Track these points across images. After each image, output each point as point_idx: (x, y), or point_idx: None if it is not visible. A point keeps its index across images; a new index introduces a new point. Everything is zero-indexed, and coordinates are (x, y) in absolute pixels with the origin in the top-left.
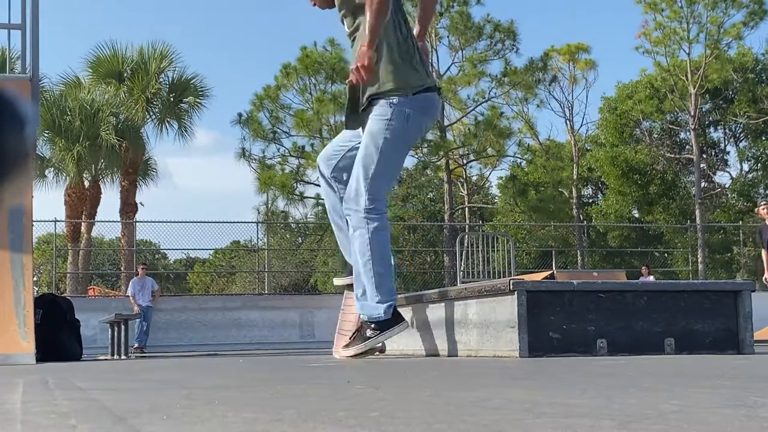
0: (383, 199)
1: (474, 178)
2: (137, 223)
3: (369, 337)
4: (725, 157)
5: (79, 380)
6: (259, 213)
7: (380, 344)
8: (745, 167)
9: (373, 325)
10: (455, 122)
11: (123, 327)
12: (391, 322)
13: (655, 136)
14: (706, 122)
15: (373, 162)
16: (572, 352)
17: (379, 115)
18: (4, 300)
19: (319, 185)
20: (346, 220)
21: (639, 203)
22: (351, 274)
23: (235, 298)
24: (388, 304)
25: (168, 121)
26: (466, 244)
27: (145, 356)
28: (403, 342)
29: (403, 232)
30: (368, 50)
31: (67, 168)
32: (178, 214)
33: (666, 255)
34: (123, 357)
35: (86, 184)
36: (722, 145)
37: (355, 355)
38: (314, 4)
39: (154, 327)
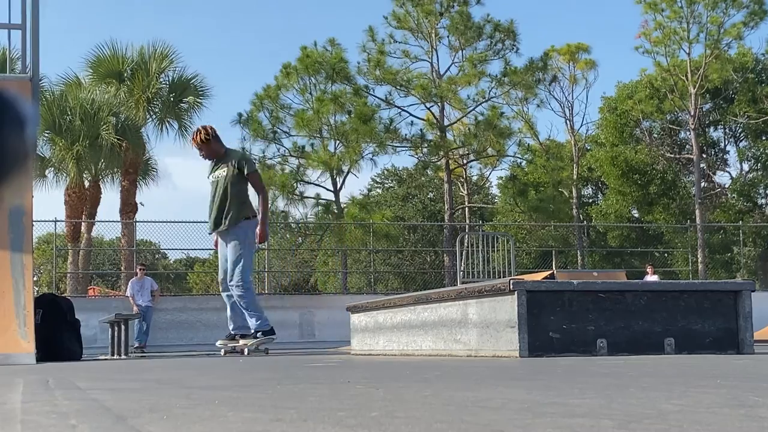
0: (249, 278)
1: (474, 178)
2: (137, 223)
3: (259, 339)
4: (725, 156)
5: (79, 380)
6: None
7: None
8: (745, 167)
9: (260, 333)
10: (455, 122)
11: (123, 327)
12: (270, 332)
13: (655, 135)
14: (706, 122)
15: (241, 257)
16: (572, 352)
17: (241, 229)
18: (5, 300)
19: (319, 185)
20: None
21: (639, 203)
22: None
23: None
24: (267, 323)
25: (168, 121)
26: (466, 244)
27: (145, 356)
28: (403, 342)
29: (403, 232)
30: (265, 227)
31: (68, 168)
32: (178, 214)
33: (666, 255)
34: (123, 357)
35: (86, 184)
36: (722, 145)
37: (252, 346)
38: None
39: (154, 327)
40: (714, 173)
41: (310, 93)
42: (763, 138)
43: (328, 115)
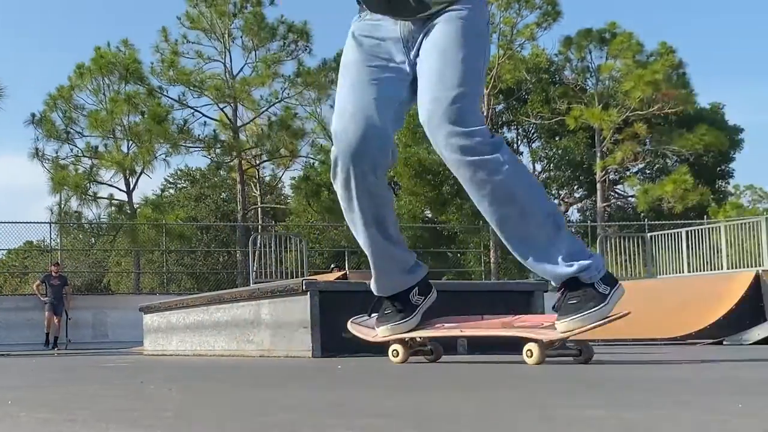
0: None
1: (267, 178)
2: None
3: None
4: (518, 157)
5: None
6: (52, 213)
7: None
8: (538, 167)
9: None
10: (248, 123)
11: None
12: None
13: None
14: (500, 122)
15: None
16: (366, 353)
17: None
18: None
19: (112, 185)
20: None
21: (432, 203)
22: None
23: (29, 298)
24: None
25: None
26: (258, 245)
27: None
28: (196, 342)
29: (197, 232)
30: None
31: None
32: None
33: (459, 255)
34: None
35: None
36: (515, 146)
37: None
38: None
39: None
40: None
41: (104, 93)
42: (556, 138)
43: (122, 116)
